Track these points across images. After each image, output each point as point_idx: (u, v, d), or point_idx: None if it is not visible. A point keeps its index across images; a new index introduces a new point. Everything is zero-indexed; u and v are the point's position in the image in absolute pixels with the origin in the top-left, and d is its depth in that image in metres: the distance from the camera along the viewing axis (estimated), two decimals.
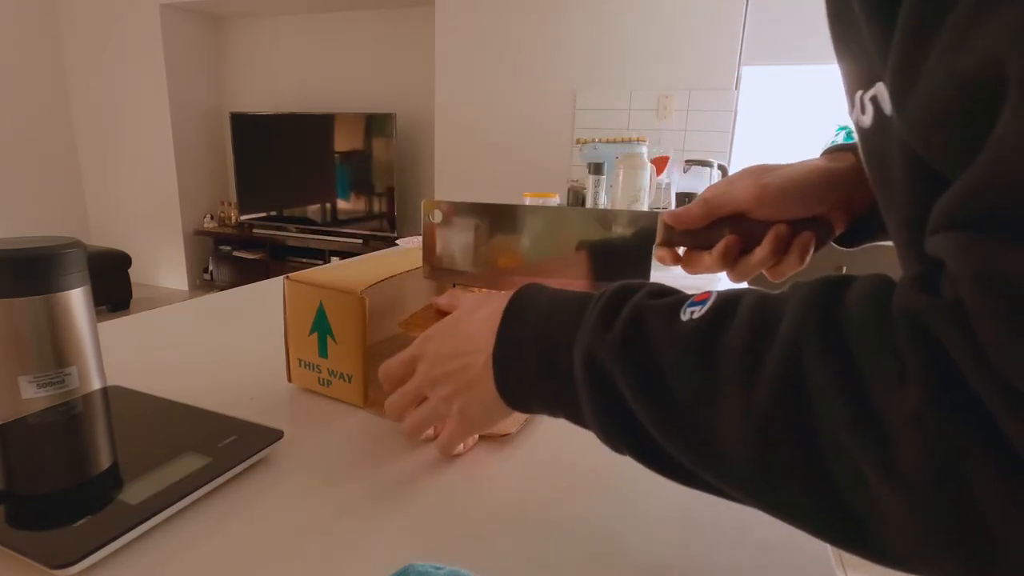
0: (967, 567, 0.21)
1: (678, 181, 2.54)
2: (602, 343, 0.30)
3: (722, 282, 1.02)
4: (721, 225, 0.47)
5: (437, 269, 0.50)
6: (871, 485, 0.22)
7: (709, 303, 0.28)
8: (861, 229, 0.47)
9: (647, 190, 1.52)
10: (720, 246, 0.46)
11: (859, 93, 0.29)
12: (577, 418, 0.33)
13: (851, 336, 0.23)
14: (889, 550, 0.23)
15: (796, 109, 2.76)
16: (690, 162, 2.39)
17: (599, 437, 0.32)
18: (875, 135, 0.28)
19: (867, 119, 0.28)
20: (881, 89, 0.26)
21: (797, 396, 0.23)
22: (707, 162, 2.33)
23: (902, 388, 0.21)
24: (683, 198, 1.74)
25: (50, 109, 4.10)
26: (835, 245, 0.49)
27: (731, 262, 0.47)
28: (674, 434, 0.28)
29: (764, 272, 0.47)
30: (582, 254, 0.49)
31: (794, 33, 2.65)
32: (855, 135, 0.31)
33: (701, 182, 2.57)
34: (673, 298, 0.31)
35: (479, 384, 0.38)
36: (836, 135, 2.52)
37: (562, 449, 0.45)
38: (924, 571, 0.22)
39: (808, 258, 0.46)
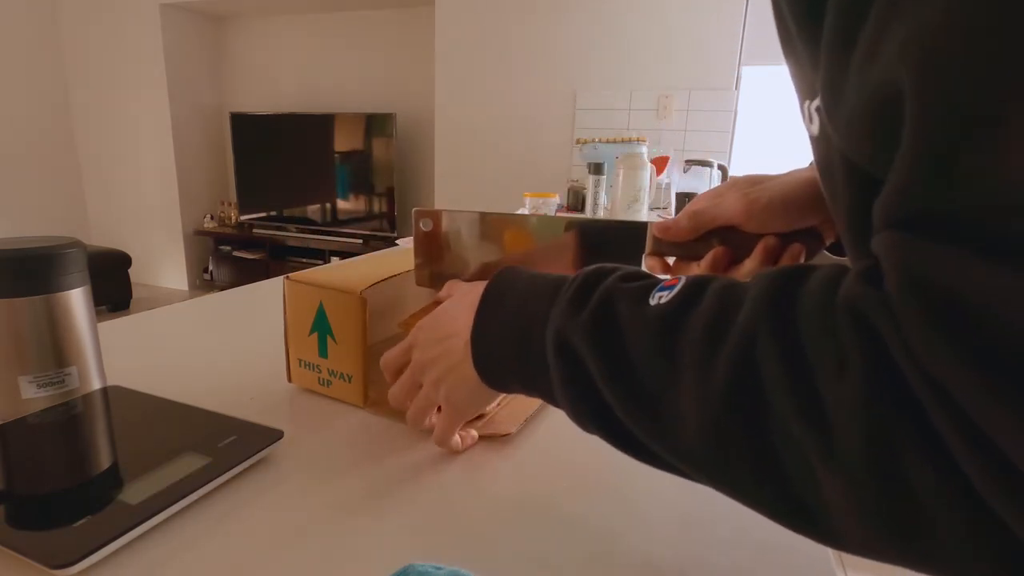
0: (909, 554, 0.21)
1: (678, 181, 2.54)
2: (573, 325, 0.31)
3: None
4: (710, 236, 0.47)
5: (429, 277, 0.50)
6: (818, 474, 0.22)
7: (677, 288, 0.29)
8: None
9: (647, 190, 1.52)
10: (707, 259, 0.46)
11: (806, 103, 0.29)
12: (550, 397, 0.34)
13: (802, 326, 0.23)
14: (839, 536, 0.23)
15: (796, 109, 2.75)
16: (690, 162, 2.39)
17: (569, 416, 0.33)
18: (821, 143, 0.29)
19: (814, 128, 0.29)
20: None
21: (749, 383, 0.24)
22: (707, 162, 2.33)
23: (843, 378, 0.21)
24: (683, 198, 1.74)
25: (50, 109, 4.10)
26: (827, 254, 0.49)
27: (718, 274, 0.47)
28: (638, 415, 0.28)
29: None
30: (572, 261, 0.49)
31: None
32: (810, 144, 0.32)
33: (701, 182, 2.57)
34: (644, 282, 0.31)
35: (460, 367, 0.38)
36: None
37: (562, 449, 0.45)
38: (873, 557, 0.23)
39: None
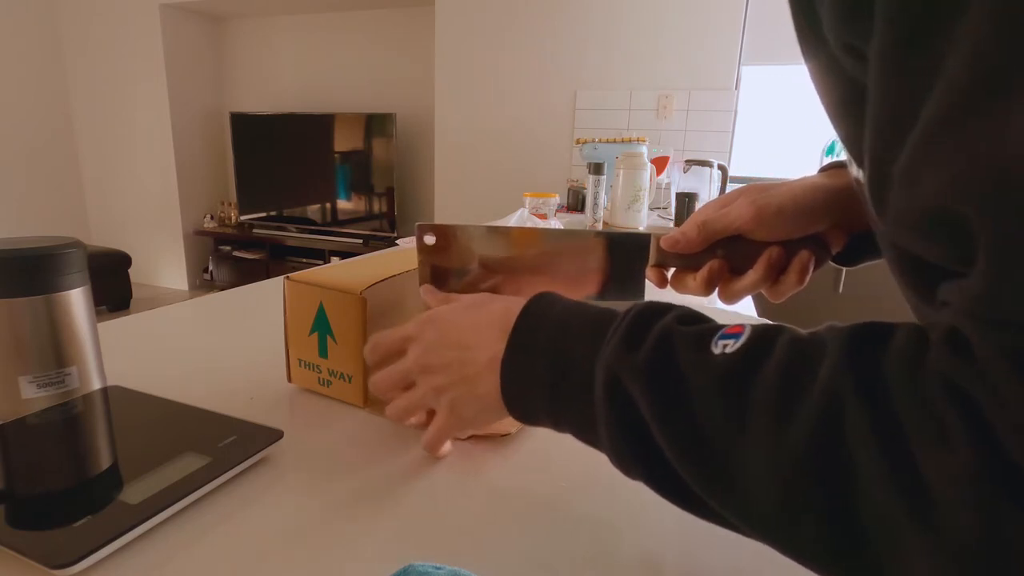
0: None
1: (678, 181, 2.54)
2: (627, 365, 0.30)
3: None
4: (715, 246, 0.46)
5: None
6: (909, 545, 0.21)
7: (744, 338, 0.28)
8: (859, 246, 0.47)
9: (647, 190, 1.52)
10: (703, 272, 0.46)
11: (853, 166, 0.29)
12: (588, 435, 0.33)
13: (893, 393, 0.23)
14: None
15: (796, 109, 2.76)
16: (690, 162, 2.39)
17: (611, 458, 0.32)
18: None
19: (858, 174, 0.29)
20: None
21: (833, 443, 0.23)
22: (707, 162, 2.33)
23: (945, 452, 0.21)
24: (683, 198, 1.74)
25: (50, 109, 4.10)
26: (833, 263, 0.49)
27: (713, 288, 0.47)
28: (695, 465, 0.27)
29: (764, 292, 0.47)
30: (577, 272, 0.49)
31: (794, 33, 2.64)
32: (855, 185, 0.31)
33: (701, 182, 2.57)
34: (703, 327, 0.30)
35: (478, 382, 0.37)
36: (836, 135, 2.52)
37: (561, 449, 0.45)
38: None
39: (807, 278, 0.45)
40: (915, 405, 0.22)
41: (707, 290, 0.47)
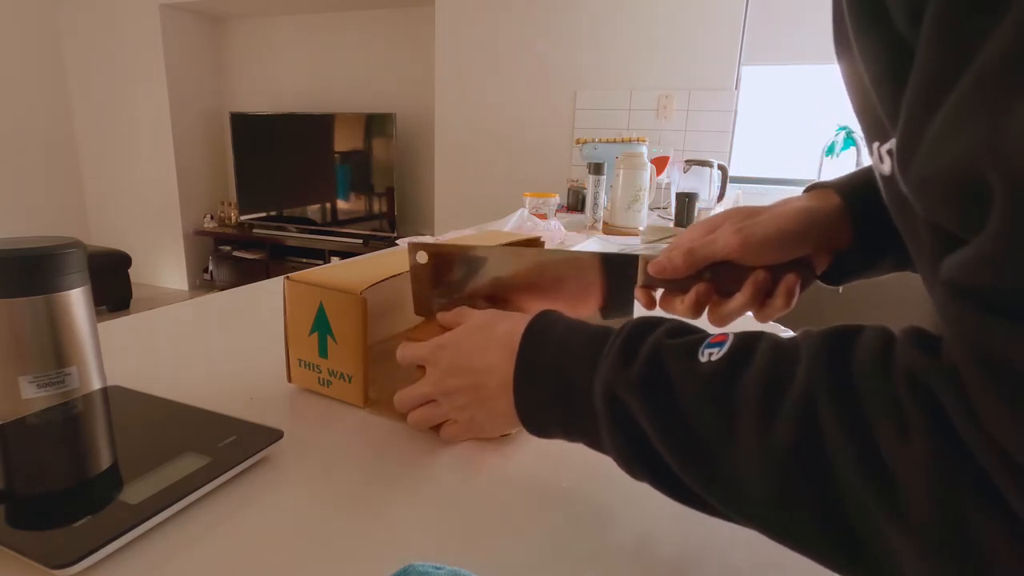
0: None
1: (678, 181, 2.54)
2: (622, 380, 0.31)
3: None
4: (702, 270, 0.46)
5: (428, 307, 0.50)
6: (885, 531, 0.23)
7: (727, 346, 0.30)
8: (844, 266, 0.47)
9: (647, 190, 1.52)
10: (691, 295, 0.46)
11: (875, 144, 0.29)
12: (597, 446, 0.35)
13: (859, 388, 0.24)
14: None
15: (796, 109, 2.76)
16: (690, 162, 2.39)
17: (619, 464, 0.33)
18: (895, 184, 0.29)
19: (886, 168, 0.29)
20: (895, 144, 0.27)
21: (811, 440, 0.25)
22: (707, 162, 2.33)
23: (907, 441, 0.22)
24: (683, 198, 1.73)
25: (50, 109, 4.10)
26: (819, 283, 0.49)
27: (701, 310, 0.47)
28: (692, 469, 0.29)
29: (752, 314, 0.47)
30: (567, 295, 0.49)
31: (794, 33, 2.65)
32: (878, 181, 0.31)
33: (701, 182, 2.57)
34: (690, 338, 0.32)
35: (493, 402, 0.40)
36: (836, 135, 2.52)
37: (562, 448, 0.45)
38: None
39: (794, 301, 0.45)
40: (880, 399, 0.23)
41: (695, 313, 0.47)
